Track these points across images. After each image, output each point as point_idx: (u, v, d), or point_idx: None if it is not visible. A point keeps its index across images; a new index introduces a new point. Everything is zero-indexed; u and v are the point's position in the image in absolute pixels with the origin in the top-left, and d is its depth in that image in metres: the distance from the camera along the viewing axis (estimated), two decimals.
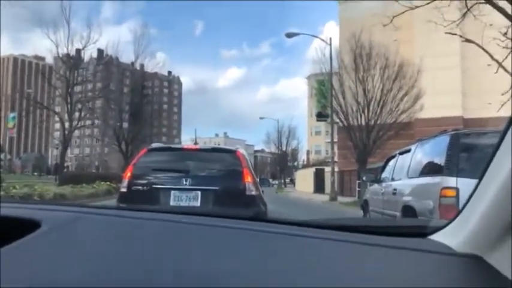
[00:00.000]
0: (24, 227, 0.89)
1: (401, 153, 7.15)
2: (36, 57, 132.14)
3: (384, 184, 7.40)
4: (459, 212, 0.91)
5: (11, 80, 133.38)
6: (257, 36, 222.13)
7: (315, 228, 1.04)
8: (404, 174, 6.36)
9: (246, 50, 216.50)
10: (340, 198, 24.82)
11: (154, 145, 6.43)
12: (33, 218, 0.94)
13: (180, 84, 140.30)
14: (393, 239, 0.96)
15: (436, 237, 0.96)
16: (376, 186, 8.08)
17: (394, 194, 6.46)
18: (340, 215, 15.28)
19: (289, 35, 27.86)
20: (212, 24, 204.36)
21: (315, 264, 0.84)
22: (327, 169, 33.08)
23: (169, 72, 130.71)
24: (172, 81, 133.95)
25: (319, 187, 37.77)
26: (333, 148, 26.66)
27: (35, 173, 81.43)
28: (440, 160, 5.21)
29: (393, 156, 7.65)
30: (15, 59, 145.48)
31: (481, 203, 0.82)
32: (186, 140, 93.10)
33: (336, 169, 28.44)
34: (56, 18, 26.34)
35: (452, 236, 0.90)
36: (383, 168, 8.20)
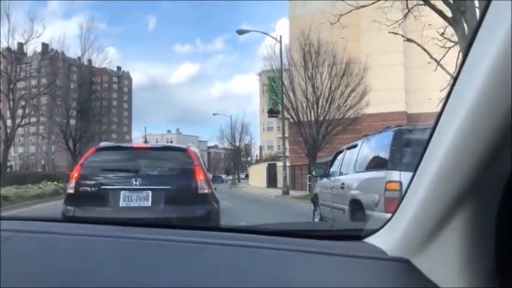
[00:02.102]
0: None
1: (348, 148, 7.33)
2: None
3: (332, 178, 7.56)
4: (392, 215, 0.91)
5: None
6: (211, 32, 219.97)
7: (252, 234, 1.06)
8: (351, 168, 6.54)
9: (199, 46, 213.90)
10: (292, 192, 25.23)
11: (103, 144, 6.29)
12: None
13: (130, 79, 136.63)
14: (328, 243, 0.99)
15: (371, 240, 0.97)
16: (325, 180, 8.22)
17: (342, 188, 6.62)
18: (292, 209, 15.59)
19: (240, 32, 27.88)
20: (165, 20, 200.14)
21: (245, 272, 0.86)
22: (279, 164, 33.52)
23: (119, 68, 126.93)
24: (122, 77, 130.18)
25: (272, 182, 38.20)
26: (284, 143, 27.05)
27: None
28: (384, 155, 5.41)
29: (341, 151, 7.82)
30: None
31: (411, 204, 0.81)
32: (137, 137, 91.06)
33: (288, 164, 28.82)
34: None
35: (386, 239, 0.90)
36: (331, 162, 8.38)
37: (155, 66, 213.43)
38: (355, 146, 6.92)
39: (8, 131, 25.67)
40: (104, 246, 0.94)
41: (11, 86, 26.24)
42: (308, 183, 25.96)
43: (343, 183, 6.66)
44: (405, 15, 14.20)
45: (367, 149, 6.34)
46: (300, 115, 22.27)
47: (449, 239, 0.76)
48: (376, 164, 5.76)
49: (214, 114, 63.55)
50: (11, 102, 25.77)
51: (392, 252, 0.86)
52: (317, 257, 0.91)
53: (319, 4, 23.54)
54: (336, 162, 7.88)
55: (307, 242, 1.00)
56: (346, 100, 21.79)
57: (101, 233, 1.00)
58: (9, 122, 25.94)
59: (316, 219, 8.43)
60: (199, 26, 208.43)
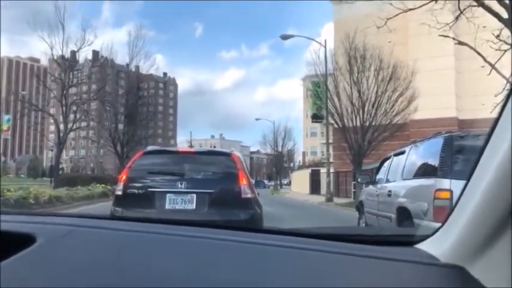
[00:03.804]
0: (20, 241, 0.90)
1: (396, 155, 7.15)
2: (31, 59, 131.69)
3: (378, 185, 7.40)
4: (446, 219, 0.90)
5: (6, 82, 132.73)
6: (256, 38, 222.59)
7: (303, 238, 1.05)
8: (399, 175, 6.36)
9: (245, 52, 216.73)
10: (336, 199, 24.85)
11: (150, 148, 6.44)
12: (28, 232, 0.94)
13: (175, 85, 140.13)
14: (379, 248, 0.97)
15: (423, 246, 0.96)
16: (371, 187, 8.07)
17: (388, 195, 6.46)
18: (336, 217, 15.33)
19: (284, 37, 27.88)
20: (211, 26, 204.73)
21: (299, 274, 0.85)
22: (323, 170, 33.13)
23: (165, 74, 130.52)
24: (168, 83, 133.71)
25: (315, 188, 37.80)
26: (328, 149, 26.75)
27: (29, 176, 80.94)
28: (434, 162, 5.22)
29: (388, 158, 7.65)
30: (10, 60, 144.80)
31: (466, 211, 0.81)
32: (182, 142, 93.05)
33: (332, 170, 28.47)
34: (51, 20, 26.17)
35: (438, 245, 0.89)
36: (378, 169, 8.22)
37: (201, 72, 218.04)
38: (403, 153, 6.74)
39: (61, 134, 26.83)
40: (152, 242, 0.98)
41: (64, 92, 27.44)
42: (353, 190, 25.51)
43: (390, 191, 6.51)
44: (457, 17, 13.66)
45: (416, 155, 6.17)
46: (345, 120, 21.93)
47: (505, 246, 0.75)
48: (425, 171, 5.57)
49: (257, 120, 63.35)
50: (64, 107, 26.92)
51: (446, 259, 0.85)
52: (366, 261, 0.90)
53: (365, 8, 23.19)
54: (383, 169, 7.71)
55: (355, 246, 0.98)
56: (393, 105, 21.26)
57: (149, 230, 1.04)
58: (61, 126, 27.12)
59: None
60: (245, 32, 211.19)
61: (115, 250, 0.95)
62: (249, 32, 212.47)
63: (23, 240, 0.90)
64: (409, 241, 1.01)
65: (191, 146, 40.83)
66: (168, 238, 1.00)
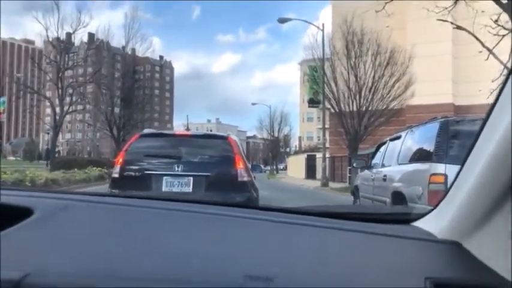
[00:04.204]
0: (17, 214, 0.91)
1: (392, 140, 7.19)
2: (26, 40, 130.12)
3: (374, 170, 7.45)
4: (442, 199, 0.93)
5: (1, 64, 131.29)
6: (254, 22, 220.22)
7: (302, 215, 1.07)
8: (394, 160, 6.41)
9: (241, 36, 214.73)
10: (331, 184, 25.00)
11: (146, 131, 6.44)
12: (25, 205, 0.95)
13: (172, 69, 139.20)
14: (377, 226, 0.98)
15: (419, 223, 0.98)
16: (366, 172, 8.12)
17: (384, 180, 6.52)
18: (331, 201, 15.44)
19: (282, 21, 27.69)
20: (208, 10, 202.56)
21: (300, 250, 0.87)
22: (319, 155, 33.22)
23: (161, 57, 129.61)
24: (164, 66, 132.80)
25: (310, 173, 37.96)
26: (324, 134, 26.75)
27: (25, 159, 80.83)
28: (429, 147, 5.26)
29: (384, 143, 7.68)
30: (4, 42, 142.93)
31: (462, 190, 0.84)
32: (178, 126, 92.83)
33: (328, 155, 28.53)
34: (45, 2, 25.77)
35: (435, 223, 0.92)
36: (374, 154, 8.27)
37: (197, 56, 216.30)
38: (398, 138, 6.78)
39: (57, 117, 26.71)
40: (149, 215, 0.99)
41: (60, 75, 27.23)
42: (348, 175, 25.63)
43: (385, 175, 6.57)
44: (455, 2, 13.54)
45: (412, 140, 6.21)
46: (342, 105, 21.86)
47: (500, 222, 0.78)
48: (421, 156, 5.62)
49: (253, 104, 63.33)
50: (60, 90, 26.74)
51: (442, 235, 0.87)
52: (364, 237, 0.92)
53: None
54: (378, 154, 7.77)
55: (352, 223, 1.00)
56: (390, 90, 21.18)
57: (147, 205, 1.06)
58: (57, 109, 26.97)
59: None
60: (242, 16, 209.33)
61: (112, 223, 0.96)
62: (246, 16, 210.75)
63: (21, 213, 0.91)
64: (406, 219, 1.03)
65: (188, 130, 40.71)
66: (166, 213, 1.00)
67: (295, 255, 0.84)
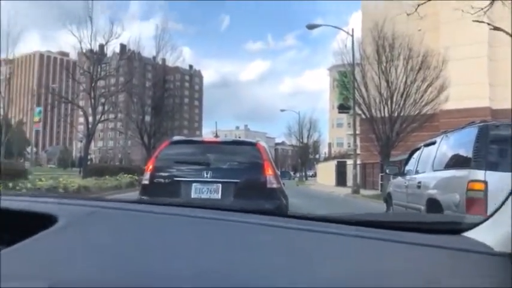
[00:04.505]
0: (42, 221, 0.90)
1: (426, 146, 7.03)
2: (61, 53, 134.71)
3: (407, 177, 7.27)
4: (497, 208, 0.86)
5: (37, 75, 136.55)
6: (283, 29, 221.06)
7: (337, 224, 0.99)
8: (429, 167, 6.24)
9: (271, 43, 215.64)
10: (362, 191, 24.57)
11: (176, 138, 6.46)
12: (50, 212, 0.94)
13: (201, 77, 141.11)
14: (424, 236, 0.90)
15: (472, 234, 0.90)
16: (399, 179, 7.94)
17: (418, 187, 6.35)
18: (363, 208, 15.12)
19: (311, 27, 27.57)
20: (237, 18, 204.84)
21: (338, 261, 0.80)
22: (349, 162, 32.81)
23: (191, 66, 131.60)
24: (193, 75, 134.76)
25: (341, 180, 37.49)
26: (355, 140, 26.36)
27: (60, 166, 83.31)
28: (467, 152, 5.08)
29: (417, 149, 7.52)
30: (41, 55, 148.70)
31: None
32: (207, 133, 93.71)
33: (358, 162, 28.15)
34: (80, 15, 26.58)
35: (490, 234, 0.84)
36: (407, 160, 8.08)
37: (226, 64, 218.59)
38: (433, 143, 6.58)
39: (89, 126, 27.36)
40: (178, 223, 0.97)
41: (93, 85, 27.92)
42: (380, 182, 25.16)
43: (419, 182, 6.38)
44: (492, 2, 13.10)
45: (447, 146, 6.02)
46: (373, 111, 21.54)
47: None
48: (457, 162, 5.42)
49: (282, 111, 63.09)
50: (92, 100, 27.41)
51: (500, 247, 0.80)
52: (411, 248, 0.84)
53: None
54: (412, 160, 7.59)
55: (396, 233, 0.92)
56: (422, 95, 20.73)
57: (176, 212, 1.04)
58: (90, 118, 27.63)
59: None
60: (271, 23, 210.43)
61: (140, 231, 0.93)
62: (276, 23, 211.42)
63: (45, 220, 0.90)
64: (456, 229, 0.95)
65: (216, 136, 40.97)
66: (195, 220, 0.97)
67: (329, 267, 0.78)
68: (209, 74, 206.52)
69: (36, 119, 42.07)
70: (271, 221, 0.98)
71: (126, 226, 0.95)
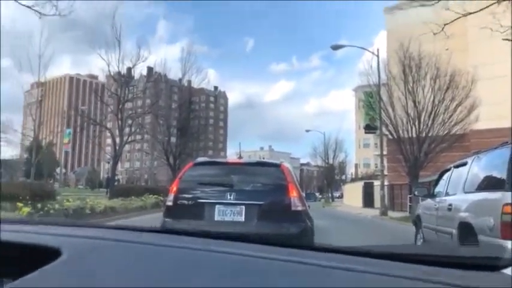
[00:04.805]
0: (45, 253, 0.89)
1: (456, 167, 6.84)
2: (90, 76, 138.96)
3: (437, 199, 7.12)
4: None
5: (67, 97, 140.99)
6: (307, 50, 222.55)
7: (364, 258, 0.91)
8: (460, 188, 6.07)
9: (295, 64, 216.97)
10: (390, 213, 24.03)
11: (200, 159, 6.45)
12: (53, 245, 0.93)
13: (226, 98, 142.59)
14: (458, 272, 0.82)
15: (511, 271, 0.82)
16: (429, 201, 7.80)
17: (449, 209, 6.18)
18: (392, 231, 14.73)
19: (335, 48, 27.59)
20: (262, 40, 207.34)
21: None
22: (376, 183, 32.26)
23: (216, 88, 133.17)
24: (218, 96, 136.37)
25: (368, 201, 36.84)
26: (382, 161, 25.93)
27: (88, 187, 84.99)
28: (500, 174, 4.95)
29: (447, 170, 7.33)
30: (71, 78, 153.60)
31: None
32: (232, 154, 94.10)
33: (386, 183, 27.66)
34: (108, 39, 27.38)
35: None
36: (436, 182, 7.90)
37: (251, 85, 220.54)
38: (464, 164, 6.39)
39: (117, 147, 27.80)
40: (187, 258, 0.92)
41: (120, 107, 28.49)
42: (409, 203, 24.59)
43: (450, 205, 6.20)
44: None
45: (479, 167, 5.86)
46: (400, 131, 21.24)
47: None
48: (490, 184, 5.28)
49: (307, 131, 62.88)
50: (120, 121, 27.92)
51: None
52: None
53: (420, 14, 22.47)
54: (442, 182, 7.39)
55: (427, 269, 0.83)
56: (451, 115, 20.36)
57: (184, 245, 0.98)
58: (117, 140, 28.09)
59: (419, 243, 7.88)
60: (295, 45, 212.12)
61: (145, 267, 0.89)
62: (300, 44, 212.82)
63: (49, 253, 0.89)
64: (493, 265, 0.85)
65: (240, 157, 41.11)
66: (206, 255, 0.91)
67: None
68: (234, 95, 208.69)
69: (66, 140, 43.26)
70: (297, 256, 0.89)
71: (130, 261, 0.92)
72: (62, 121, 47.62)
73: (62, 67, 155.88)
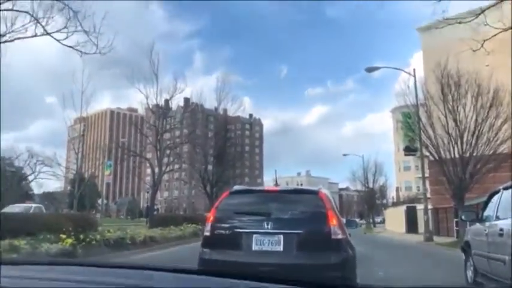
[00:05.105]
0: None
1: (506, 189, 6.47)
2: (130, 109, 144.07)
3: (487, 223, 6.71)
4: None
5: (108, 131, 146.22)
6: (342, 73, 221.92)
7: None
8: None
9: (330, 88, 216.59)
10: (436, 239, 23.01)
11: (236, 188, 6.39)
12: None
13: (261, 125, 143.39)
14: None
15: None
16: (478, 225, 7.35)
17: (500, 235, 5.82)
18: (439, 258, 14.00)
19: (370, 70, 27.31)
20: (296, 66, 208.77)
21: None
22: (420, 206, 31.15)
23: (251, 115, 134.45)
24: (253, 124, 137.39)
25: (411, 226, 35.52)
26: (424, 184, 25.07)
27: (128, 217, 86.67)
28: None
29: (497, 192, 6.93)
30: (112, 112, 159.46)
31: None
32: (268, 181, 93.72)
33: (430, 206, 26.66)
34: (146, 73, 28.26)
35: None
36: (485, 205, 7.45)
37: (286, 110, 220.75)
38: None
39: (155, 177, 28.26)
40: None
41: (158, 138, 29.09)
42: (455, 228, 23.47)
43: (501, 229, 5.84)
44: None
45: None
46: (442, 152, 20.49)
47: None
48: None
49: (344, 155, 62.11)
50: (158, 152, 28.44)
51: None
52: None
53: (457, 32, 22.07)
54: (491, 205, 6.96)
55: None
56: (496, 133, 19.49)
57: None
58: (156, 169, 28.59)
59: (469, 272, 7.42)
60: (329, 69, 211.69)
61: None
62: (335, 68, 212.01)
63: None
64: None
65: (277, 185, 40.83)
66: None
67: None
68: (269, 122, 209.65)
69: (107, 172, 44.47)
70: None
71: None
72: (103, 153, 49.05)
73: (103, 102, 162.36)
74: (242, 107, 36.97)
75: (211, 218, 5.55)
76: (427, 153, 22.39)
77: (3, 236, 10.25)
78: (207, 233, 5.49)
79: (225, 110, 36.71)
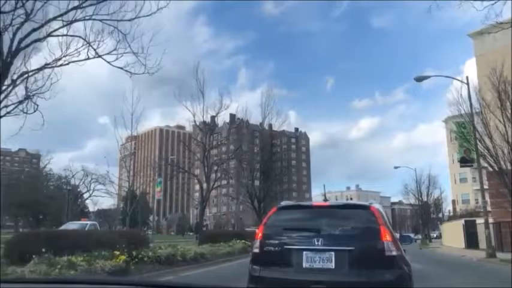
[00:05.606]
0: None
1: None
2: (178, 127, 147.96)
3: None
4: None
5: (158, 148, 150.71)
6: (390, 83, 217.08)
7: None
8: None
9: (378, 99, 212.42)
10: (499, 255, 21.54)
11: (284, 203, 6.25)
12: None
13: (307, 139, 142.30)
14: None
15: None
16: None
17: None
18: (504, 276, 13.06)
19: (419, 79, 26.40)
20: (342, 78, 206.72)
21: None
22: (479, 220, 29.48)
23: (296, 129, 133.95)
24: (299, 138, 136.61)
25: (471, 241, 33.63)
26: (483, 196, 23.67)
27: (178, 233, 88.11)
28: None
29: None
30: (161, 130, 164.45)
31: None
32: (317, 195, 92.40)
33: (491, 220, 25.05)
34: (193, 91, 28.87)
35: None
36: None
37: (333, 123, 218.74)
38: None
39: (204, 193, 28.58)
40: None
41: (206, 154, 29.49)
42: None
43: None
44: None
45: None
46: (501, 162, 19.33)
47: None
48: None
49: (396, 168, 60.33)
50: (206, 168, 28.81)
51: None
52: None
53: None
54: None
55: None
56: None
57: None
58: (204, 185, 28.92)
59: None
60: (377, 79, 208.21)
61: None
62: (382, 78, 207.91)
63: None
64: None
65: (325, 200, 40.14)
66: None
67: None
68: (315, 135, 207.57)
69: (158, 189, 45.46)
70: None
71: None
72: (154, 171, 50.35)
73: (153, 120, 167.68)
74: (287, 120, 36.94)
75: (260, 235, 5.46)
76: (486, 164, 21.21)
77: (61, 253, 10.60)
78: (256, 250, 5.39)
79: (270, 125, 36.77)
